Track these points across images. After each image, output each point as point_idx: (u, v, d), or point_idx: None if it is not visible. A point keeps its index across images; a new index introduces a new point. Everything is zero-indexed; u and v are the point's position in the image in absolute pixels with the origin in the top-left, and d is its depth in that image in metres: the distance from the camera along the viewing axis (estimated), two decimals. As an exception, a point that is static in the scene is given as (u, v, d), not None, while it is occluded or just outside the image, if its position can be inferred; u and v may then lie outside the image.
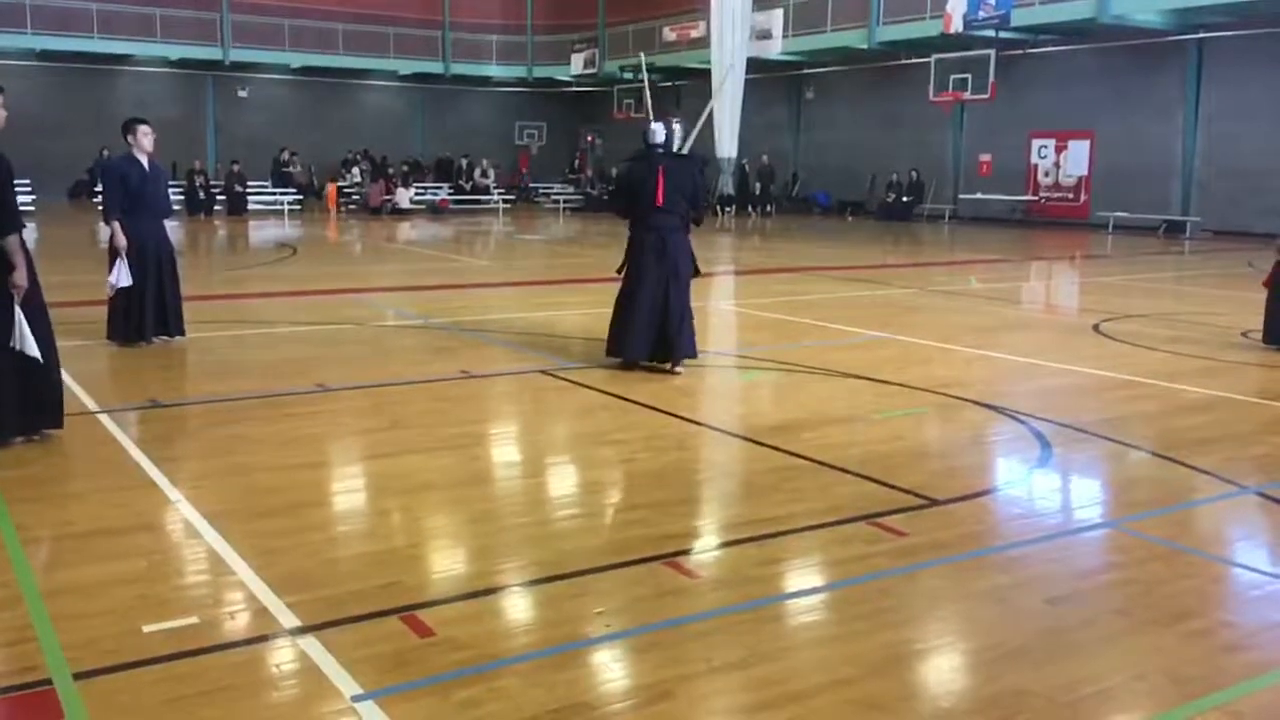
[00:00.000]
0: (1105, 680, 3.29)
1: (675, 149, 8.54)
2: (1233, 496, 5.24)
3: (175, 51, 32.53)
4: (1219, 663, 3.44)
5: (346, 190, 32.32)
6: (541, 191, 37.67)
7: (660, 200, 7.84)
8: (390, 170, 33.25)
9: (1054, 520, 4.88)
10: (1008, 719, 3.05)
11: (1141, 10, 22.65)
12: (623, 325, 8.03)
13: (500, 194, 34.75)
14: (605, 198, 8.97)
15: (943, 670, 3.44)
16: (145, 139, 8.61)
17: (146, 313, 8.65)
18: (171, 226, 9.58)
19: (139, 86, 33.43)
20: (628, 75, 35.09)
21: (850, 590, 3.99)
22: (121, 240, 8.47)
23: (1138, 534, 4.65)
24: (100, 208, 8.95)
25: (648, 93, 8.66)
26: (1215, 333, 10.32)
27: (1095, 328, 10.60)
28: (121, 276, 8.46)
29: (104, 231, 8.80)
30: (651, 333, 7.93)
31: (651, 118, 8.70)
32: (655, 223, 7.90)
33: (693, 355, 8.09)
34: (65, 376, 7.32)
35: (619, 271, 8.24)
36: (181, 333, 8.95)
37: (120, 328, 8.65)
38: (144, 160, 8.63)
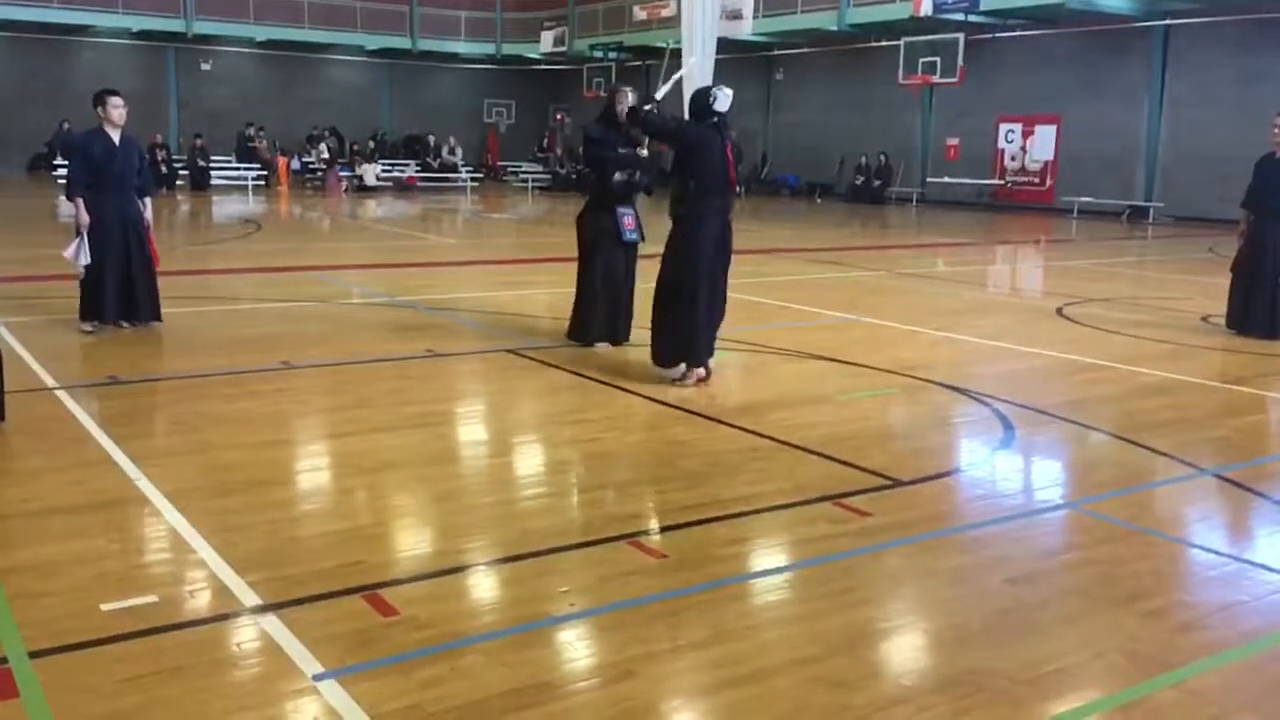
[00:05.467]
0: (1064, 659, 3.33)
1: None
2: (1191, 478, 5.31)
3: (137, 23, 31.93)
4: (1176, 642, 3.49)
5: (313, 167, 31.91)
6: (510, 170, 37.41)
7: (734, 180, 6.87)
8: (355, 147, 32.88)
9: (1015, 501, 4.93)
10: (968, 697, 3.08)
11: (1108, -4, 22.83)
12: (685, 329, 6.83)
13: (468, 172, 34.49)
14: (665, 166, 7.32)
15: (905, 649, 3.47)
16: (115, 111, 8.16)
17: (107, 294, 8.19)
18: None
19: (100, 58, 32.82)
20: (597, 54, 34.88)
21: (814, 570, 4.01)
22: (84, 217, 8.04)
23: (1098, 515, 4.71)
24: (63, 182, 8.67)
25: (668, 80, 7.84)
26: (1177, 317, 10.44)
27: (1059, 311, 10.70)
28: (80, 255, 8.03)
29: (65, 206, 8.56)
30: (712, 332, 6.97)
31: (659, 98, 7.83)
32: (721, 205, 6.87)
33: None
34: (23, 352, 7.26)
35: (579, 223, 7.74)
36: (157, 318, 8.44)
37: (84, 306, 8.37)
38: (114, 134, 8.17)
